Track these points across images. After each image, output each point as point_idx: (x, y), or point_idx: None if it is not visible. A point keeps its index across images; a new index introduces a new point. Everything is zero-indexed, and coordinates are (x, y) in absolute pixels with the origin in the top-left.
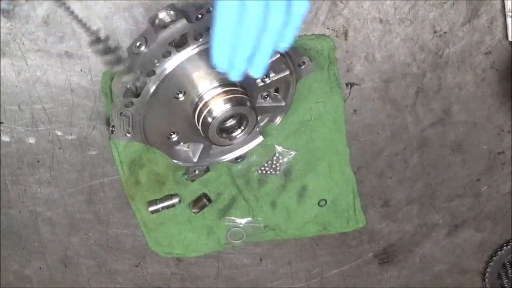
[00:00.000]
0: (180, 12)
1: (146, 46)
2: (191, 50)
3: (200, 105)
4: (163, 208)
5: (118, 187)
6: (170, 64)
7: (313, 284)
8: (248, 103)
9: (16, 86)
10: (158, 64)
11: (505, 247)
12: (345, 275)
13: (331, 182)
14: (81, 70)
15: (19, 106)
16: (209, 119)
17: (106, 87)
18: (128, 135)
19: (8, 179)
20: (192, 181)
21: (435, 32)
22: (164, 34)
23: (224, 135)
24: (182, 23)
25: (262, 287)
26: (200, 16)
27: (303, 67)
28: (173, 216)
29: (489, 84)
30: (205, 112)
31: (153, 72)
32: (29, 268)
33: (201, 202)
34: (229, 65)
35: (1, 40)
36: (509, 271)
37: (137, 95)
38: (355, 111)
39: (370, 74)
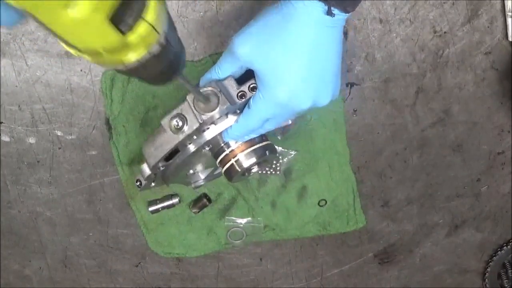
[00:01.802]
0: (220, 87)
1: (187, 126)
2: (228, 122)
3: (227, 151)
4: (163, 208)
5: (118, 187)
6: (207, 136)
7: (313, 284)
8: (271, 149)
9: (16, 86)
10: (195, 138)
11: (505, 247)
12: (345, 275)
13: (331, 182)
14: (81, 70)
15: (19, 106)
16: (238, 169)
17: (106, 87)
18: (153, 184)
19: (8, 179)
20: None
21: (435, 32)
22: (209, 119)
23: (244, 174)
24: (226, 107)
25: (262, 287)
26: (241, 94)
27: None
28: (173, 216)
29: (489, 84)
30: (232, 161)
31: (190, 143)
32: (29, 268)
33: (201, 202)
34: (239, 139)
35: (1, 40)
36: (509, 271)
37: (167, 159)
38: (355, 111)
39: (370, 74)
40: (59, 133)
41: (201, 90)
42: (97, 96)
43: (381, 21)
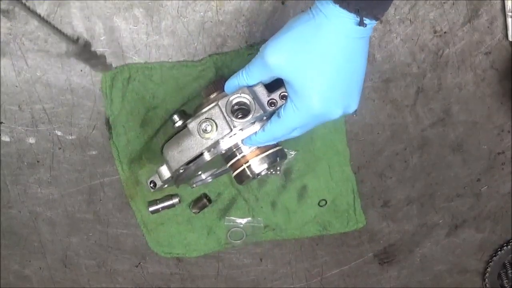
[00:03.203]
0: (252, 93)
1: (216, 131)
2: (253, 128)
3: (238, 156)
4: (163, 208)
5: (118, 187)
6: (232, 141)
7: (313, 284)
8: (281, 155)
9: (16, 86)
10: (222, 140)
11: (505, 247)
12: (345, 275)
13: (331, 182)
14: (81, 70)
15: (19, 106)
16: (249, 174)
17: (106, 87)
18: (166, 186)
19: (8, 179)
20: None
21: (435, 32)
22: (241, 125)
23: (254, 178)
24: (259, 114)
25: (262, 287)
26: (271, 102)
27: None
28: (173, 216)
29: (489, 84)
30: (244, 166)
31: (214, 147)
32: (29, 268)
33: (201, 202)
34: (260, 145)
35: (1, 40)
36: (509, 271)
37: (188, 162)
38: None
39: (370, 74)
40: (59, 133)
41: (233, 96)
42: (97, 96)
43: (381, 21)
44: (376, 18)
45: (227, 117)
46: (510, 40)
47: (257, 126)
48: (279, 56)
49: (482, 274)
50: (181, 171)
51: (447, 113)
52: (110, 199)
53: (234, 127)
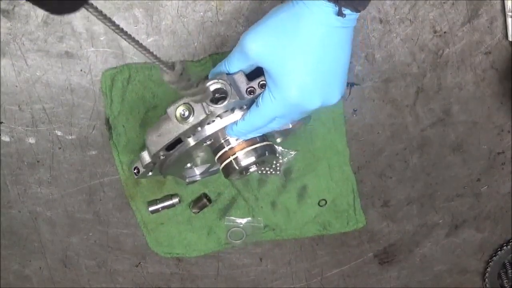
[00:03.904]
0: (230, 80)
1: (193, 116)
2: (233, 117)
3: (226, 148)
4: (163, 208)
5: (118, 187)
6: (212, 129)
7: (313, 284)
8: (270, 150)
9: (16, 86)
10: (199, 129)
11: (505, 247)
12: (345, 275)
13: (331, 182)
14: (81, 70)
15: (19, 106)
16: (236, 166)
17: (106, 87)
18: (150, 173)
19: (8, 179)
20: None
21: (435, 32)
22: (216, 110)
23: (242, 173)
24: (235, 101)
25: (262, 287)
26: (250, 90)
27: None
28: (173, 216)
29: (489, 84)
30: (231, 158)
31: (193, 135)
32: (29, 268)
33: (201, 202)
34: (242, 136)
35: (1, 40)
36: (509, 271)
37: (168, 149)
38: (355, 111)
39: (370, 74)
40: (59, 133)
41: (210, 82)
42: (97, 96)
43: (381, 21)
44: (357, 10)
45: (203, 102)
46: (510, 40)
47: (238, 115)
48: (257, 44)
49: (482, 274)
50: (162, 157)
51: (447, 113)
52: (110, 199)
53: (209, 112)
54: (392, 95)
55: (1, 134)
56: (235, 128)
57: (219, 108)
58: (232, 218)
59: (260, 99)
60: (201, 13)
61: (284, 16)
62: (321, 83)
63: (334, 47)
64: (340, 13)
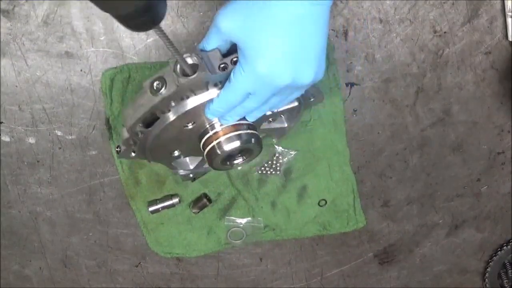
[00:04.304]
0: (203, 56)
1: (165, 89)
2: (209, 95)
3: (210, 133)
4: (163, 208)
5: (118, 187)
6: (187, 105)
7: (313, 284)
8: (256, 139)
9: (16, 86)
10: (174, 105)
11: (505, 247)
12: (345, 275)
13: (331, 182)
14: (81, 70)
15: (19, 106)
16: (218, 151)
17: (106, 87)
18: (133, 154)
19: (8, 179)
20: (192, 181)
21: (435, 32)
22: (186, 82)
23: (227, 163)
24: (205, 74)
25: (262, 287)
26: (223, 66)
27: (312, 99)
28: (173, 216)
29: (489, 84)
30: (214, 143)
31: (169, 111)
32: (29, 268)
33: (201, 202)
34: (221, 118)
35: (1, 40)
36: (509, 271)
37: (147, 125)
38: (355, 111)
39: (370, 74)
40: (59, 133)
41: (184, 55)
42: (97, 96)
43: (381, 21)
44: None
45: (173, 74)
46: (510, 40)
47: (213, 93)
48: (229, 20)
49: (482, 274)
50: (140, 133)
51: (447, 113)
52: (110, 199)
53: (179, 83)
54: (392, 95)
55: (1, 134)
56: (212, 107)
57: (189, 80)
58: (232, 218)
59: (232, 74)
60: (201, 13)
61: None
62: (291, 58)
63: (306, 24)
64: None
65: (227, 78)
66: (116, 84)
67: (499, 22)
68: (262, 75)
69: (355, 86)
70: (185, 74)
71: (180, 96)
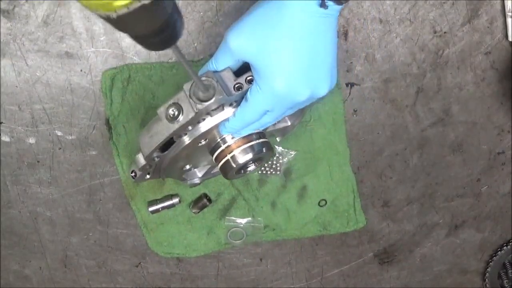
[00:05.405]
0: (217, 77)
1: (182, 115)
2: (224, 114)
3: (223, 147)
4: (163, 208)
5: (118, 187)
6: (203, 127)
7: (313, 284)
8: (267, 147)
9: (16, 86)
10: (190, 128)
11: (505, 247)
12: (345, 275)
13: (331, 182)
14: (81, 70)
15: (19, 106)
16: (233, 165)
17: (106, 87)
18: (148, 176)
19: (8, 179)
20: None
21: (435, 32)
22: (204, 109)
23: (241, 171)
24: (222, 97)
25: (262, 287)
26: (238, 86)
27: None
28: (173, 216)
29: (489, 84)
30: (228, 157)
31: (185, 134)
32: (29, 268)
33: (201, 202)
34: (236, 133)
35: (1, 40)
36: (509, 271)
37: (162, 150)
38: (355, 111)
39: (370, 74)
40: (59, 133)
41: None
42: (97, 96)
43: (381, 21)
44: (339, 2)
45: (190, 100)
46: (510, 40)
47: (228, 112)
48: (240, 39)
49: (482, 274)
50: (156, 158)
51: (447, 113)
52: (110, 199)
53: (197, 110)
54: (392, 95)
55: (1, 134)
56: (227, 125)
57: (207, 105)
58: (232, 218)
59: (248, 93)
60: (201, 13)
61: (266, 9)
62: (307, 73)
63: (318, 37)
64: (323, 5)
65: (242, 96)
66: (116, 84)
67: (499, 22)
68: (281, 93)
69: (355, 86)
70: (200, 98)
71: (197, 120)
